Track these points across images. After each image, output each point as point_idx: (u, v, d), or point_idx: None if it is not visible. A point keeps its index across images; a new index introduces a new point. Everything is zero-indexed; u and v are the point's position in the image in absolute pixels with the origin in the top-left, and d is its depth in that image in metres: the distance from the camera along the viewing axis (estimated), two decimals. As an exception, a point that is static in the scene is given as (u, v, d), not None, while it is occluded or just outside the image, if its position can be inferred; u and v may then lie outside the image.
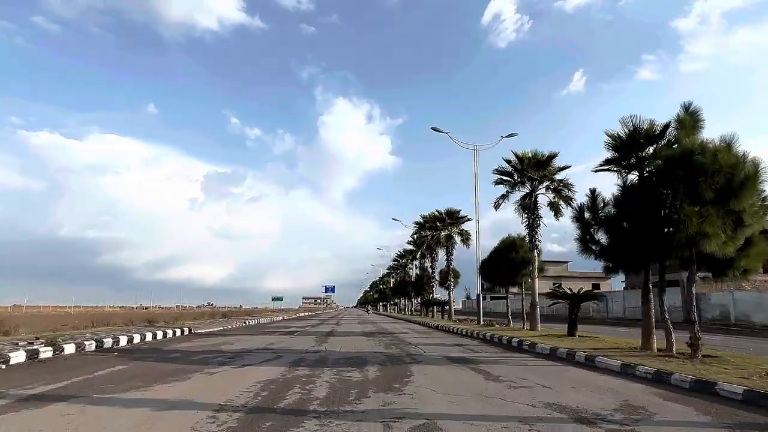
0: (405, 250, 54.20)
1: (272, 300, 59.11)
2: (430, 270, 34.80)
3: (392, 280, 66.57)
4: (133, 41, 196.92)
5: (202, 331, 18.71)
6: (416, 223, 35.23)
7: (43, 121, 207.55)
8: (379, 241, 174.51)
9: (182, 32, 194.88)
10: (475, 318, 25.26)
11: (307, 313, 65.48)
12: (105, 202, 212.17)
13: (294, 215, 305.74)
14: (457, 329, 19.56)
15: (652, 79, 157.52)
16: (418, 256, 41.39)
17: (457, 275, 30.27)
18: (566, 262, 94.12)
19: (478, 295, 22.56)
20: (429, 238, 34.52)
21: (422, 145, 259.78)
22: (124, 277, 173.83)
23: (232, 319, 29.98)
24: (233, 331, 19.96)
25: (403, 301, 59.41)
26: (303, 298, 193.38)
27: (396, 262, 58.03)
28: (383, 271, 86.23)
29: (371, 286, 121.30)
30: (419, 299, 39.68)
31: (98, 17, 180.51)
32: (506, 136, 24.31)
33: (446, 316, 30.19)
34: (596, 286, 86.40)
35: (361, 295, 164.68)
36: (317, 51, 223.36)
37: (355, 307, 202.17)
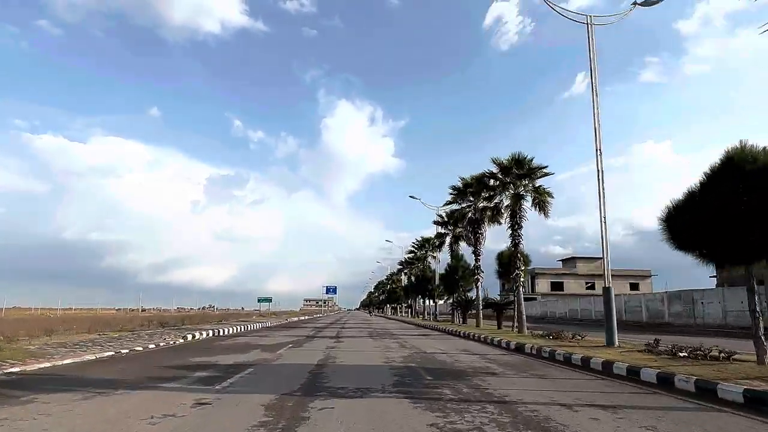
0: (424, 238, 43.30)
1: (258, 301, 48.29)
2: (474, 258, 23.93)
3: (405, 278, 55.62)
4: (137, 45, 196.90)
5: (41, 366, 8.01)
6: (453, 189, 24.27)
7: (46, 123, 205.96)
8: (381, 243, 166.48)
9: (185, 36, 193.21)
10: (547, 330, 14.70)
11: (304, 317, 54.74)
12: (108, 205, 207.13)
13: (296, 218, 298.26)
14: (610, 362, 8.75)
15: (656, 81, 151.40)
16: (448, 240, 30.46)
17: (527, 261, 19.49)
18: (599, 258, 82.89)
19: (607, 289, 11.74)
20: (473, 209, 23.68)
21: (425, 147, 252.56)
22: (127, 280, 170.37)
23: (173, 330, 19.21)
24: (115, 362, 9.22)
25: (420, 302, 48.32)
26: (304, 300, 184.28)
27: (412, 255, 46.88)
28: (390, 269, 75.58)
29: (377, 287, 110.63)
30: (452, 299, 28.94)
31: (102, 21, 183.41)
32: (639, 4, 13.61)
33: (514, 325, 19.30)
34: (635, 286, 75.57)
35: (365, 296, 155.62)
36: (320, 54, 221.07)
37: (358, 309, 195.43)
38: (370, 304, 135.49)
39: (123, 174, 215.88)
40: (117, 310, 71.46)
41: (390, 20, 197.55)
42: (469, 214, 23.54)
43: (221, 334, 19.71)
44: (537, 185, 18.04)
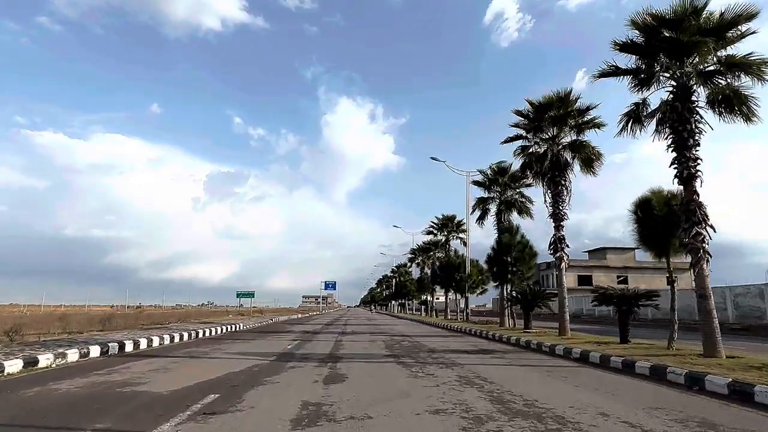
0: (446, 216, 34.15)
1: (237, 296, 39.25)
2: (555, 225, 14.74)
3: (417, 268, 46.69)
4: (137, 42, 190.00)
5: None
6: (518, 114, 15.16)
7: (47, 120, 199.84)
8: (381, 240, 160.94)
9: (186, 33, 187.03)
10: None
11: (296, 316, 45.92)
12: (109, 202, 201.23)
13: (297, 215, 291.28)
14: None
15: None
16: (493, 209, 21.19)
17: (706, 216, 10.42)
18: (633, 249, 73.70)
19: None
20: (550, 145, 14.71)
21: (425, 145, 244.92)
22: (128, 277, 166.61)
23: (43, 344, 10.29)
24: None
25: (441, 296, 39.13)
26: (303, 297, 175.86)
27: (430, 238, 37.67)
28: (396, 262, 66.74)
29: (379, 282, 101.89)
30: (504, 290, 19.87)
31: (102, 18, 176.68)
32: None
33: (672, 337, 10.17)
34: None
35: (366, 293, 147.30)
36: (321, 51, 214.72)
37: (358, 306, 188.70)
38: (372, 300, 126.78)
39: (124, 171, 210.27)
40: (111, 306, 67.55)
41: (391, 18, 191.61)
42: (549, 155, 14.48)
43: (127, 351, 10.79)
44: (735, 56, 9.00)
